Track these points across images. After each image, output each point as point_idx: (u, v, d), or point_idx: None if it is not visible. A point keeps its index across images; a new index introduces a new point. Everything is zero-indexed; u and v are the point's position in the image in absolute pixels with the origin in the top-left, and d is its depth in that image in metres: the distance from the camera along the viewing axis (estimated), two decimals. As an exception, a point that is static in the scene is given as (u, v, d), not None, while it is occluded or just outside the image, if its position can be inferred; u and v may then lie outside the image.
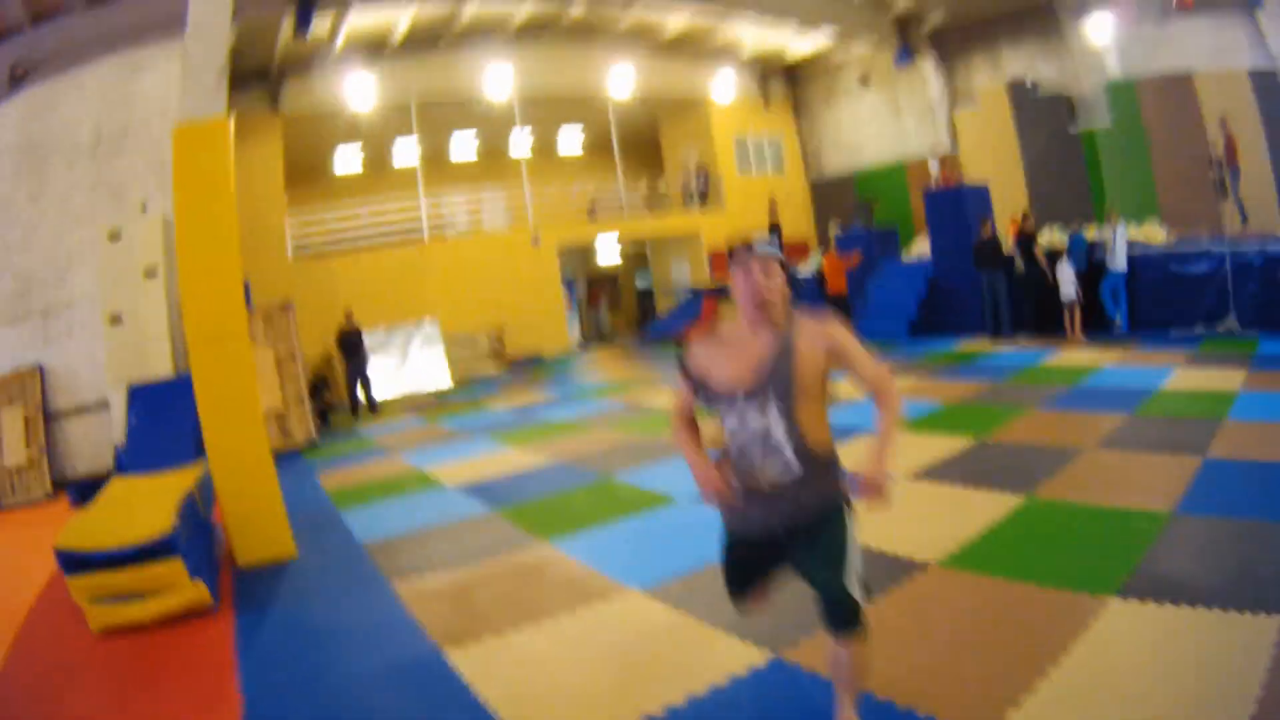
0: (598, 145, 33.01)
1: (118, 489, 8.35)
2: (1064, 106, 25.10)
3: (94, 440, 15.03)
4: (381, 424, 16.98)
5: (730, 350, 3.76)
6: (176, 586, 6.69)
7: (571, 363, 24.38)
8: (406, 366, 22.29)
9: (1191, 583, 5.23)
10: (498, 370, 23.83)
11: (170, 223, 13.78)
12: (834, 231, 25.23)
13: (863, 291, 20.81)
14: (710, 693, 4.64)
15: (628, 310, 35.92)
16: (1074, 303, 16.35)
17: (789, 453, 3.62)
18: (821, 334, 3.68)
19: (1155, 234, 18.23)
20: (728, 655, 5.04)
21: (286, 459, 12.82)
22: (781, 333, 3.70)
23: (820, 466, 3.69)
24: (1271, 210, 20.05)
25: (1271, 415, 9.11)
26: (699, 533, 6.39)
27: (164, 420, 11.73)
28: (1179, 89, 21.68)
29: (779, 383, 3.62)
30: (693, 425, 3.99)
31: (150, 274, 13.88)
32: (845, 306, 18.95)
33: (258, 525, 8.15)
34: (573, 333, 29.05)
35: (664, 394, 15.58)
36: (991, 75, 27.47)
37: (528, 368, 24.27)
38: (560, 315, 27.70)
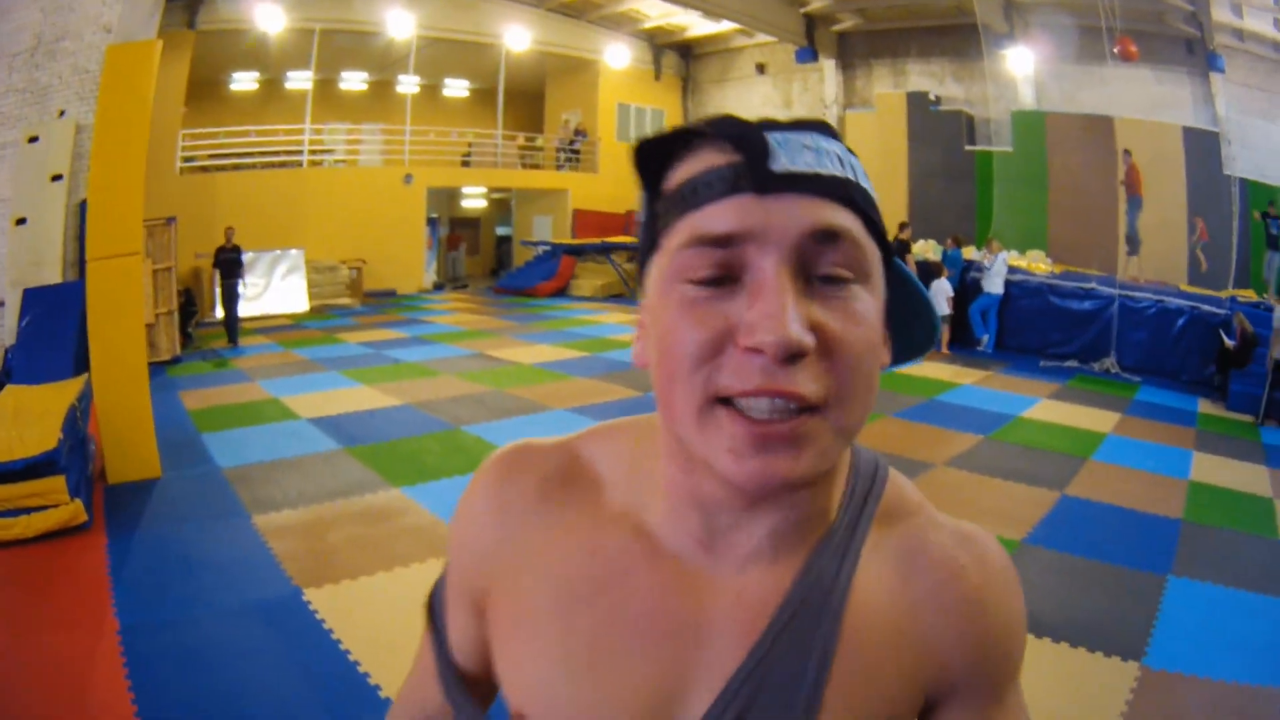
0: (483, 94, 32.67)
1: (8, 400, 8.14)
2: (961, 124, 25.28)
3: (-15, 339, 14.47)
4: (239, 347, 16.64)
5: (611, 608, 0.96)
6: (56, 503, 6.59)
7: (425, 303, 24.27)
8: (268, 290, 21.93)
9: (1036, 615, 5.31)
10: (353, 302, 23.69)
11: (83, 128, 13.51)
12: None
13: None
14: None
15: (485, 256, 35.76)
16: (945, 317, 16.13)
17: None
18: (957, 610, 0.99)
19: (1039, 265, 18.63)
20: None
21: (150, 372, 12.65)
22: (825, 561, 0.95)
23: None
24: (1180, 265, 20.23)
25: (1138, 462, 9.29)
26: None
27: (52, 326, 11.59)
28: (1096, 129, 21.63)
29: None
30: None
31: (55, 178, 13.50)
32: None
33: (130, 443, 8.07)
34: (429, 273, 28.85)
35: (513, 348, 15.96)
36: (893, 86, 27.60)
37: (382, 303, 24.10)
38: (420, 254, 27.63)
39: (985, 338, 16.57)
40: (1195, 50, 21.13)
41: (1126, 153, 19.57)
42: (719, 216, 0.82)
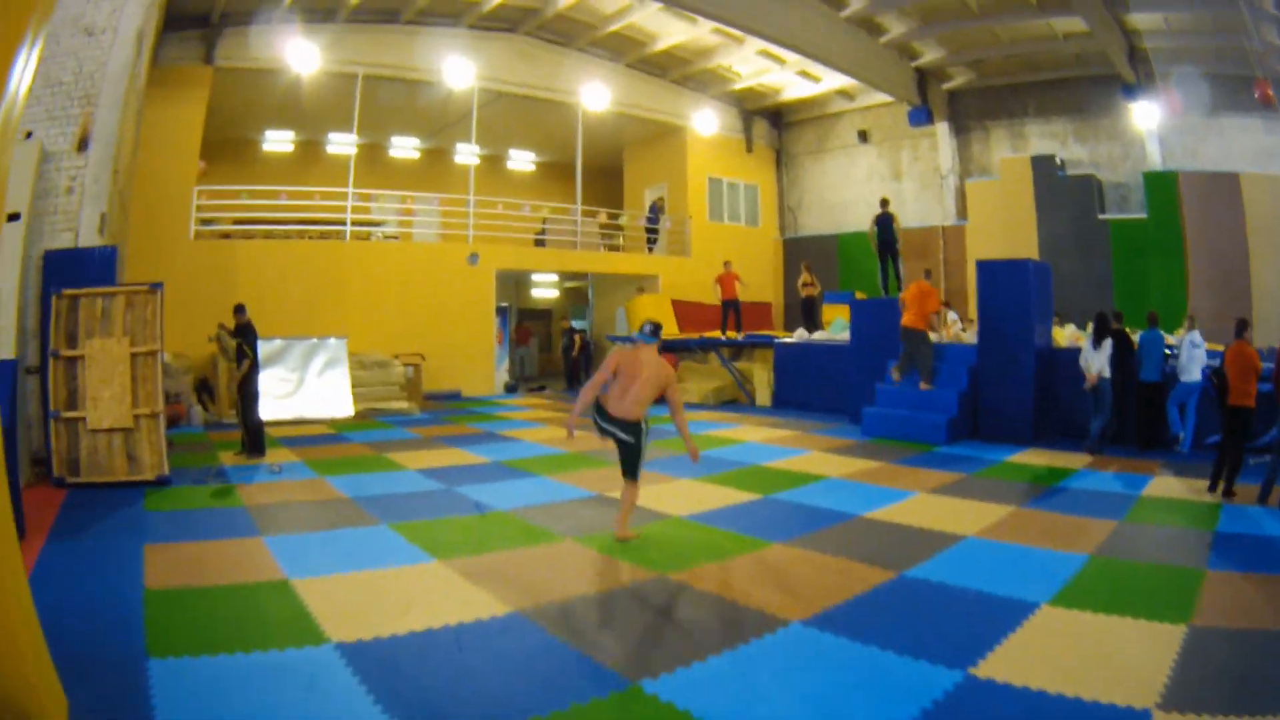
0: (552, 168, 30.57)
1: None
2: (1092, 190, 23.59)
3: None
4: (255, 463, 12.79)
5: None
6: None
7: (499, 410, 20.46)
8: (301, 388, 18.49)
9: None
10: (410, 407, 19.88)
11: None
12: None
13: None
14: None
15: (558, 354, 31.44)
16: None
17: None
18: None
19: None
20: None
21: (122, 498, 9.85)
22: None
23: None
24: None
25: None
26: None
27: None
28: (1223, 187, 20.52)
29: None
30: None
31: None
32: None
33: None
34: (500, 372, 25.31)
35: (642, 484, 8.81)
36: (1011, 150, 25.95)
37: (447, 408, 20.62)
38: (489, 349, 24.30)
39: (1182, 435, 14.37)
40: (1293, 100, 20.14)
41: None
42: None
